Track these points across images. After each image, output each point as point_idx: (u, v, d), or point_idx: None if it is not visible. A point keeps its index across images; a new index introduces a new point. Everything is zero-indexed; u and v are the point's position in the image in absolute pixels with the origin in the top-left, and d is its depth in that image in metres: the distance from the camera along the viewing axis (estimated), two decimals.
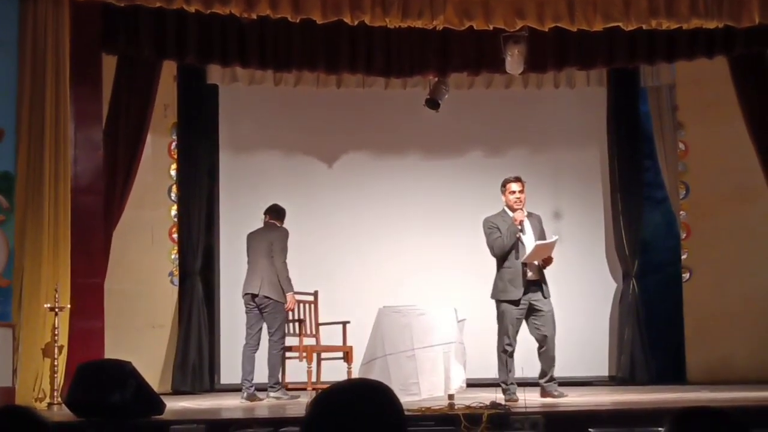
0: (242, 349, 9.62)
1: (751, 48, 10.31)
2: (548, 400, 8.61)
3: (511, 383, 8.66)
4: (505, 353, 8.69)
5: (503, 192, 8.88)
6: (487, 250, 9.03)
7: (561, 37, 9.97)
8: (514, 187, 8.82)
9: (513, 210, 8.78)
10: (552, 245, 8.71)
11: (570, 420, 7.19)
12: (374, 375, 8.10)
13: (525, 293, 8.69)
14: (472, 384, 8.67)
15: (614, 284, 11.91)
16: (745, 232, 11.33)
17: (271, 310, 9.58)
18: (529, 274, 8.70)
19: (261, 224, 9.90)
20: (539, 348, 8.77)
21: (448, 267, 11.47)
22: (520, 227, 8.73)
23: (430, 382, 8.40)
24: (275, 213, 9.90)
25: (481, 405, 7.35)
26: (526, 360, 8.77)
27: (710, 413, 2.44)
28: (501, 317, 8.77)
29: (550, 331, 8.72)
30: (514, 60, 9.88)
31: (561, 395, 8.68)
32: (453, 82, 11.01)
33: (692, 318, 11.57)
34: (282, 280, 9.56)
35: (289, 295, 9.59)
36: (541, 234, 8.84)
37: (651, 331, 11.75)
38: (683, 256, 11.73)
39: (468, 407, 7.33)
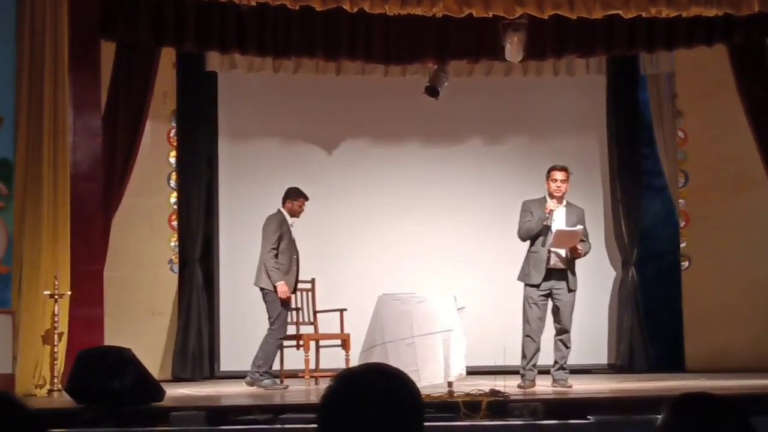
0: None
1: (751, 36, 10.30)
2: (548, 388, 8.64)
3: (530, 369, 8.74)
4: (528, 338, 8.79)
5: (547, 178, 8.90)
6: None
7: (560, 25, 9.96)
8: (558, 175, 8.84)
9: (552, 198, 8.82)
10: (574, 234, 8.71)
11: (569, 407, 7.21)
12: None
13: (547, 280, 8.76)
14: (471, 371, 8.70)
15: (613, 272, 11.91)
16: (744, 220, 11.33)
17: (267, 299, 9.50)
18: (553, 261, 8.76)
19: (271, 211, 9.82)
20: (555, 335, 8.86)
21: (447, 254, 11.47)
22: (547, 216, 8.75)
23: (429, 369, 8.42)
24: (283, 196, 9.77)
25: (481, 392, 7.38)
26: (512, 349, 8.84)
27: (707, 399, 2.44)
28: (524, 300, 8.88)
29: (566, 323, 8.78)
30: (513, 47, 9.86)
31: (565, 385, 8.69)
32: (452, 69, 11.00)
33: (691, 306, 11.58)
34: (268, 270, 9.40)
35: (278, 285, 9.37)
36: (574, 226, 8.84)
37: (650, 320, 11.76)
38: (682, 245, 11.73)
39: (467, 394, 7.36)
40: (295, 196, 9.65)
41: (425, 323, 8.61)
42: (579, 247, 8.75)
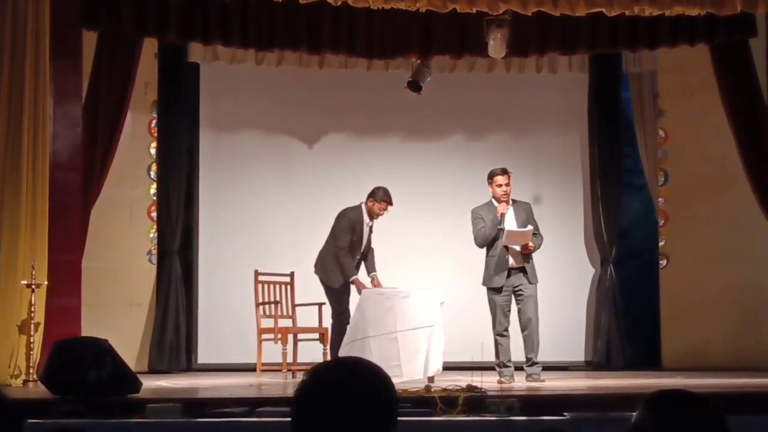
0: None
1: (733, 36, 10.33)
2: (522, 383, 8.68)
3: (505, 366, 8.84)
4: (499, 336, 8.94)
5: (490, 184, 9.01)
6: (467, 235, 9.12)
7: (544, 22, 9.96)
8: (500, 180, 9.00)
9: (499, 202, 8.89)
10: (525, 234, 8.85)
11: (545, 404, 7.23)
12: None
13: (507, 280, 8.88)
14: (448, 367, 8.72)
15: (592, 270, 11.94)
16: (722, 219, 11.37)
17: (325, 291, 9.60)
18: (511, 261, 8.94)
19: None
20: (522, 331, 8.92)
21: (427, 249, 11.48)
22: (500, 219, 8.86)
23: (411, 364, 8.44)
24: (369, 192, 9.65)
25: (458, 388, 7.38)
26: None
27: (682, 396, 2.45)
28: (489, 304, 9.04)
29: (531, 314, 8.87)
30: (496, 44, 9.86)
31: (537, 380, 8.76)
32: (435, 64, 10.98)
33: (668, 305, 11.62)
34: (341, 266, 9.42)
35: (351, 282, 9.40)
36: (524, 223, 8.98)
37: (627, 317, 11.80)
38: (661, 243, 11.77)
39: (444, 390, 7.36)
40: (377, 197, 9.55)
41: (409, 318, 8.64)
42: (531, 244, 8.91)
